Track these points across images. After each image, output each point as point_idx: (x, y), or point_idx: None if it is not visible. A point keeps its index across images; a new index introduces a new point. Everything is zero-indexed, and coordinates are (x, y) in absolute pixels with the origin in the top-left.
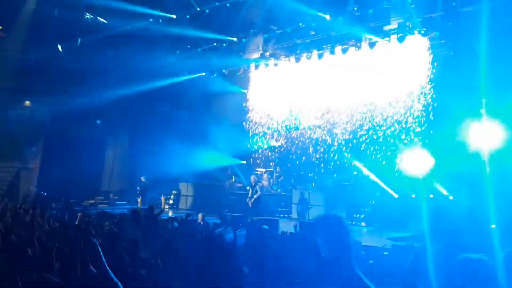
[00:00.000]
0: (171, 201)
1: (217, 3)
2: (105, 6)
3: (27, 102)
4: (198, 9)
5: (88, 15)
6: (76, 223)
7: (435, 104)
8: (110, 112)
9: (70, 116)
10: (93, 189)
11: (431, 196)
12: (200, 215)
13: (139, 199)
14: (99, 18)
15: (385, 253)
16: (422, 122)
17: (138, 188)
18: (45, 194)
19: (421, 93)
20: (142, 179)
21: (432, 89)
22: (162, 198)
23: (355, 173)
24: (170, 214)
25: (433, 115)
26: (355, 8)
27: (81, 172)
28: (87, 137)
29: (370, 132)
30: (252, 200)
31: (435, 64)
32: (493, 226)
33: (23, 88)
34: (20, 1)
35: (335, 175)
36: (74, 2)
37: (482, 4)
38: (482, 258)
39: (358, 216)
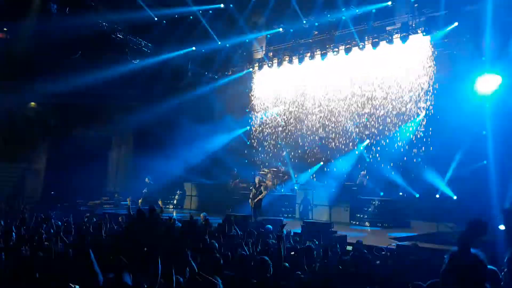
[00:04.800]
0: (175, 201)
1: (222, 5)
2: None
3: (33, 104)
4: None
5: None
6: None
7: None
8: (115, 112)
9: (75, 117)
10: (98, 190)
11: (437, 196)
12: (202, 215)
13: (139, 200)
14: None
15: (389, 253)
16: (425, 121)
17: (145, 190)
18: (52, 193)
19: (424, 91)
20: (147, 180)
21: (435, 86)
22: (160, 202)
23: (363, 172)
24: (174, 214)
25: (434, 112)
26: (358, 9)
27: (87, 173)
28: (92, 138)
29: (374, 130)
30: (255, 200)
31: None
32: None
33: (28, 90)
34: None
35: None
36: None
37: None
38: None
39: (361, 215)
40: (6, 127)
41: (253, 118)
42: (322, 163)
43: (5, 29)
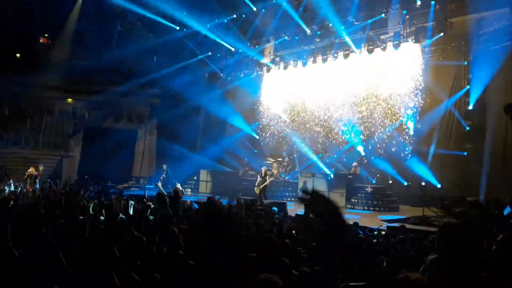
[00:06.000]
0: (192, 185)
1: (234, 15)
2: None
3: (70, 100)
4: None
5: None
6: None
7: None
8: (141, 108)
9: (106, 111)
10: (126, 175)
11: (423, 184)
12: (216, 198)
13: (159, 184)
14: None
15: (382, 232)
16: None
17: (164, 176)
18: (86, 177)
19: (413, 93)
20: (164, 167)
21: (422, 89)
22: (178, 185)
23: (355, 163)
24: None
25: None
26: (356, 20)
27: (116, 160)
28: (120, 130)
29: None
30: (261, 187)
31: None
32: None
33: (66, 88)
34: (65, 13)
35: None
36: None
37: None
38: None
39: (355, 200)
40: (46, 119)
41: (262, 114)
42: (321, 154)
43: (46, 35)
